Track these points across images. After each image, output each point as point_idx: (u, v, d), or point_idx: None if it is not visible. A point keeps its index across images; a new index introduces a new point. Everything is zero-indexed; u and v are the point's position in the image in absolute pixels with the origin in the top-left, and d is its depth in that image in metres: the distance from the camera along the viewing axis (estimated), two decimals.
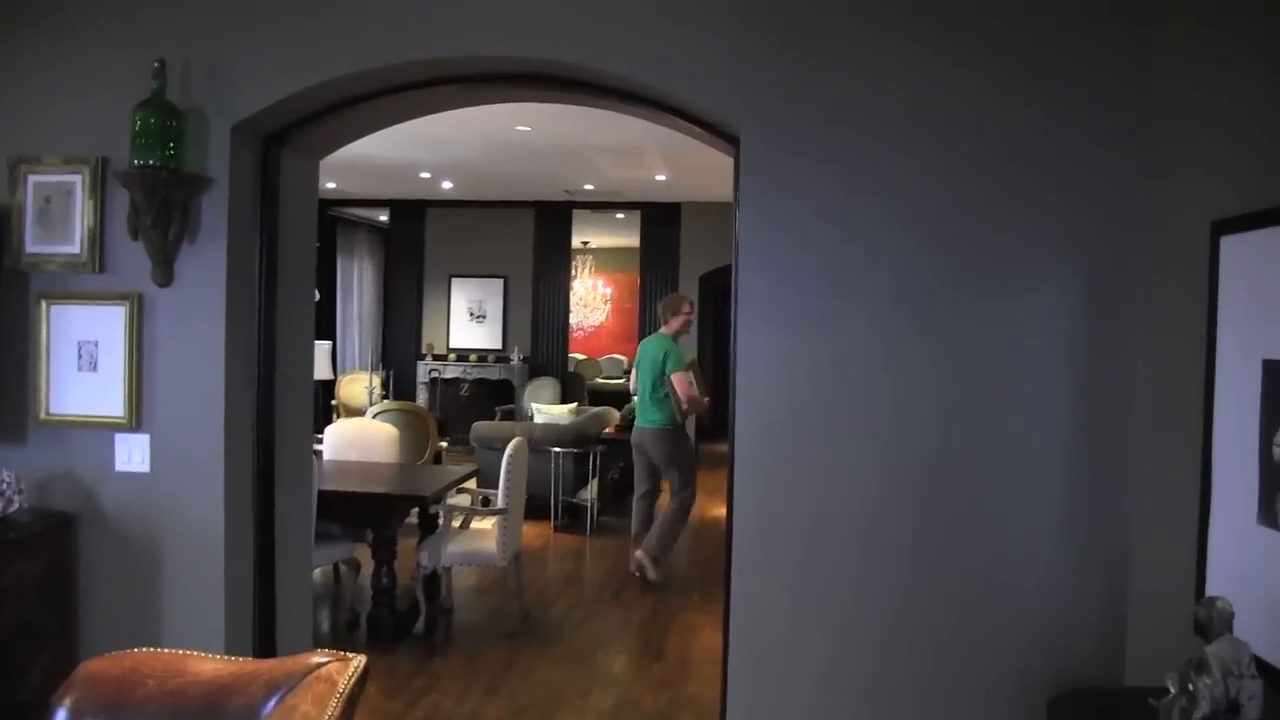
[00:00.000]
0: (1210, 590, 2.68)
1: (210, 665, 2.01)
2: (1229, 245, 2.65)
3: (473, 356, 14.99)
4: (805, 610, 3.42)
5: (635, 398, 7.90)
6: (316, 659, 1.94)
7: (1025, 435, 3.32)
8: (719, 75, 3.37)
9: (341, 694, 1.79)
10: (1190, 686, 2.22)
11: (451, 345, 15.12)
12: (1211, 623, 2.26)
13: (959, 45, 3.29)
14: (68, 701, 1.95)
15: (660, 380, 7.49)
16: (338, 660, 1.92)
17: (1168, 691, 2.30)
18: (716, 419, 11.87)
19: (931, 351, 3.34)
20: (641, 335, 14.06)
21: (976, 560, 3.35)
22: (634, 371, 7.93)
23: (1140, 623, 3.24)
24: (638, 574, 7.57)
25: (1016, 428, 3.33)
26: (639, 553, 7.54)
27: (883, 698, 3.40)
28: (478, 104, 4.17)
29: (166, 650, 2.07)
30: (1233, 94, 2.73)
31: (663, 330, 7.69)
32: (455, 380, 14.91)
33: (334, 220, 14.52)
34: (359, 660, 1.91)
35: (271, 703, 1.87)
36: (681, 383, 7.33)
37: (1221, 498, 2.69)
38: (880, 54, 3.32)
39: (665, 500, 7.85)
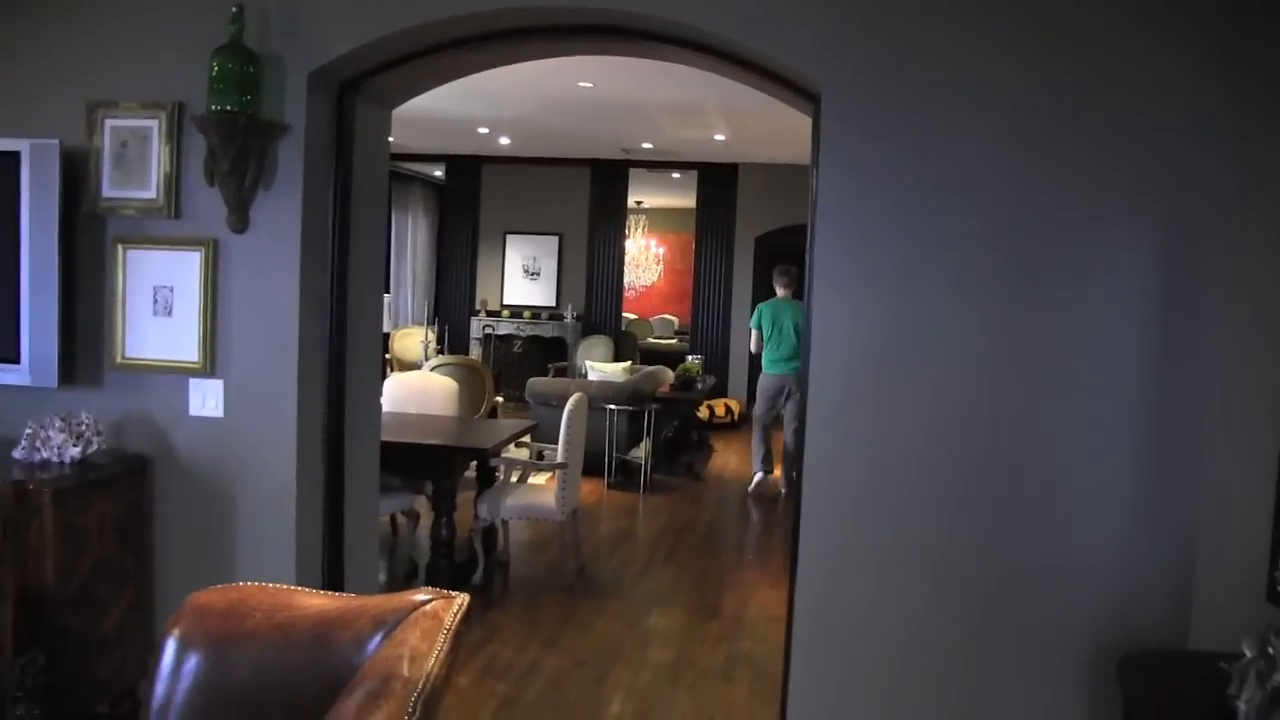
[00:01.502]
0: None
1: (316, 600, 2.04)
2: None
3: (526, 313, 15.02)
4: (874, 564, 3.41)
5: (765, 350, 9.08)
6: (420, 596, 1.96)
7: (1096, 401, 3.27)
8: (805, 31, 3.31)
9: (448, 630, 1.81)
10: (1270, 650, 2.19)
11: (505, 301, 15.15)
12: None
13: (1036, 29, 3.22)
14: (176, 632, 1.98)
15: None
16: (442, 598, 1.93)
17: (1240, 656, 2.27)
18: None
19: (1003, 313, 3.30)
20: (696, 297, 14.14)
21: (1045, 524, 3.32)
22: (760, 330, 9.06)
23: (1206, 591, 3.21)
24: (760, 492, 9.31)
25: (1088, 393, 3.27)
26: (774, 476, 9.39)
27: (951, 652, 3.39)
28: (554, 56, 4.14)
29: (272, 585, 2.10)
30: None
31: (785, 294, 9.07)
32: (508, 337, 14.95)
33: (389, 174, 14.52)
34: (462, 599, 1.93)
35: (378, 637, 1.89)
36: None
37: None
38: (961, 29, 3.25)
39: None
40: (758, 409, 9.29)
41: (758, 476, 9.37)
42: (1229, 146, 3.12)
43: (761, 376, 9.24)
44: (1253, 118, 3.07)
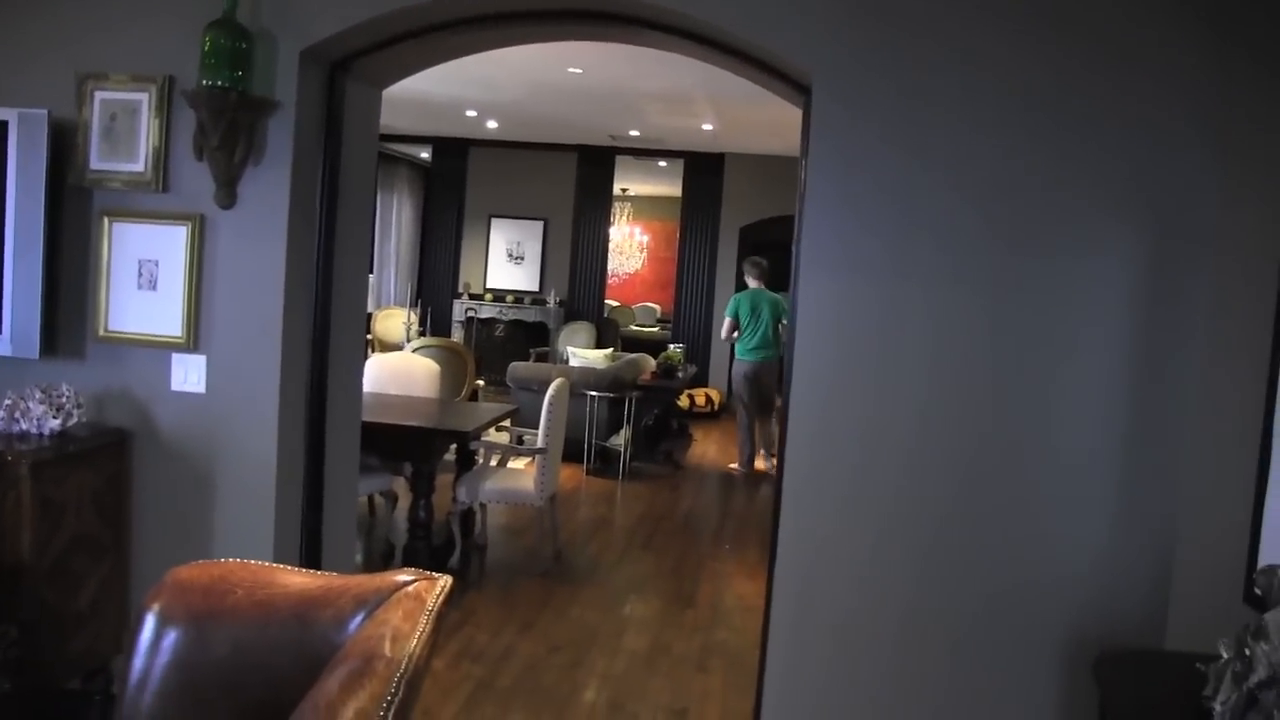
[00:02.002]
0: (1263, 561, 2.67)
1: (298, 578, 2.04)
2: None
3: (509, 297, 15.00)
4: (848, 558, 3.42)
5: (737, 338, 9.64)
6: (403, 577, 1.96)
7: (1076, 397, 3.28)
8: (798, 16, 3.30)
9: (430, 611, 1.81)
10: (1246, 652, 2.20)
11: (488, 285, 15.13)
12: (1272, 590, 2.24)
13: (1033, 10, 3.21)
14: (156, 607, 1.98)
15: (780, 323, 9.23)
16: (424, 579, 1.94)
17: (1216, 657, 2.28)
18: None
19: (988, 307, 3.29)
20: (680, 285, 14.14)
21: (1027, 523, 3.33)
22: (735, 319, 9.57)
23: (1184, 591, 3.22)
24: (745, 469, 9.95)
25: (1068, 389, 3.28)
26: (759, 455, 9.99)
27: (929, 650, 3.40)
28: (545, 40, 4.12)
29: (254, 561, 2.09)
30: None
31: (757, 285, 9.53)
32: (491, 320, 14.94)
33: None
34: (445, 580, 1.93)
35: (360, 616, 1.89)
36: None
37: None
38: (959, 11, 3.25)
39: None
40: (742, 395, 9.78)
41: (736, 469, 10.01)
42: (1224, 136, 3.12)
43: (735, 363, 9.91)
44: (1243, 96, 3.07)
